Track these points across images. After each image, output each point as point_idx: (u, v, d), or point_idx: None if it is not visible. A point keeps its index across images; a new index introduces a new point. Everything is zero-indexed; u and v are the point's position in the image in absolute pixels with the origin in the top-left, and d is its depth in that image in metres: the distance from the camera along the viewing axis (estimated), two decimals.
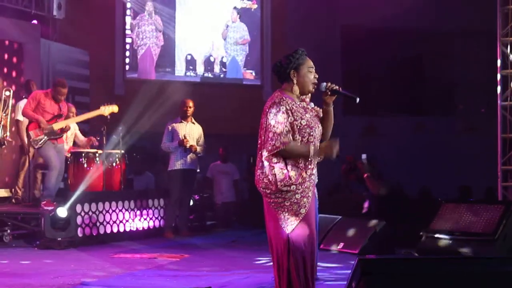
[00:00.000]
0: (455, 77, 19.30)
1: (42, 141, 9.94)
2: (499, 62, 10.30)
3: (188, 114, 11.24)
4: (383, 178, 10.54)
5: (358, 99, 5.16)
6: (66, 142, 10.71)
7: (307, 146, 5.06)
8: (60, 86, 10.12)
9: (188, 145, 11.04)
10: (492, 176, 10.64)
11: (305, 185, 5.06)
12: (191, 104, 11.29)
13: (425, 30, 17.99)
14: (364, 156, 10.49)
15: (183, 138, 11.05)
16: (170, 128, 11.24)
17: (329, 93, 5.17)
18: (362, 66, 17.83)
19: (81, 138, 11.37)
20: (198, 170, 11.66)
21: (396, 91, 18.22)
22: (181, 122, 11.26)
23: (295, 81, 5.15)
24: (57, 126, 10.06)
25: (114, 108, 10.58)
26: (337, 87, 5.17)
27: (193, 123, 11.32)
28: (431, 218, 9.20)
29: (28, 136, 10.03)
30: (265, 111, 5.10)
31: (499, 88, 10.28)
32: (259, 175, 5.09)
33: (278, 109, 5.04)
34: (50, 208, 9.75)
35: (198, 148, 11.17)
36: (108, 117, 10.58)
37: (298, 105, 5.13)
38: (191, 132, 11.21)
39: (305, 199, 5.06)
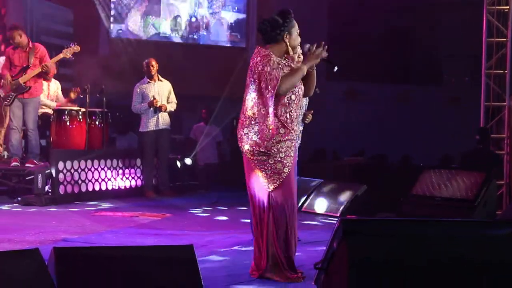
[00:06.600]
0: (442, 47, 19.33)
1: (11, 98, 9.92)
2: (484, 30, 10.33)
3: (153, 73, 11.13)
4: None
5: (336, 68, 5.16)
6: (48, 98, 10.71)
7: (297, 69, 5.07)
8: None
9: (158, 105, 11.00)
10: (473, 145, 10.69)
11: (288, 144, 5.07)
12: (153, 62, 11.15)
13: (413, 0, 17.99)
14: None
15: (153, 98, 11.01)
16: (138, 90, 11.17)
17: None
18: (348, 32, 17.78)
19: (61, 98, 11.33)
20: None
21: (382, 59, 18.20)
22: (149, 82, 11.17)
23: (287, 43, 5.14)
24: (23, 79, 9.96)
25: (76, 48, 10.38)
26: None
27: (160, 81, 11.24)
28: (412, 184, 9.28)
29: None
30: (252, 68, 5.08)
31: (483, 56, 10.32)
32: (247, 133, 5.07)
33: (268, 59, 5.03)
34: (32, 165, 9.75)
35: (168, 106, 11.13)
36: (72, 57, 10.49)
37: (284, 63, 5.13)
38: (160, 90, 11.16)
39: (288, 159, 5.07)
